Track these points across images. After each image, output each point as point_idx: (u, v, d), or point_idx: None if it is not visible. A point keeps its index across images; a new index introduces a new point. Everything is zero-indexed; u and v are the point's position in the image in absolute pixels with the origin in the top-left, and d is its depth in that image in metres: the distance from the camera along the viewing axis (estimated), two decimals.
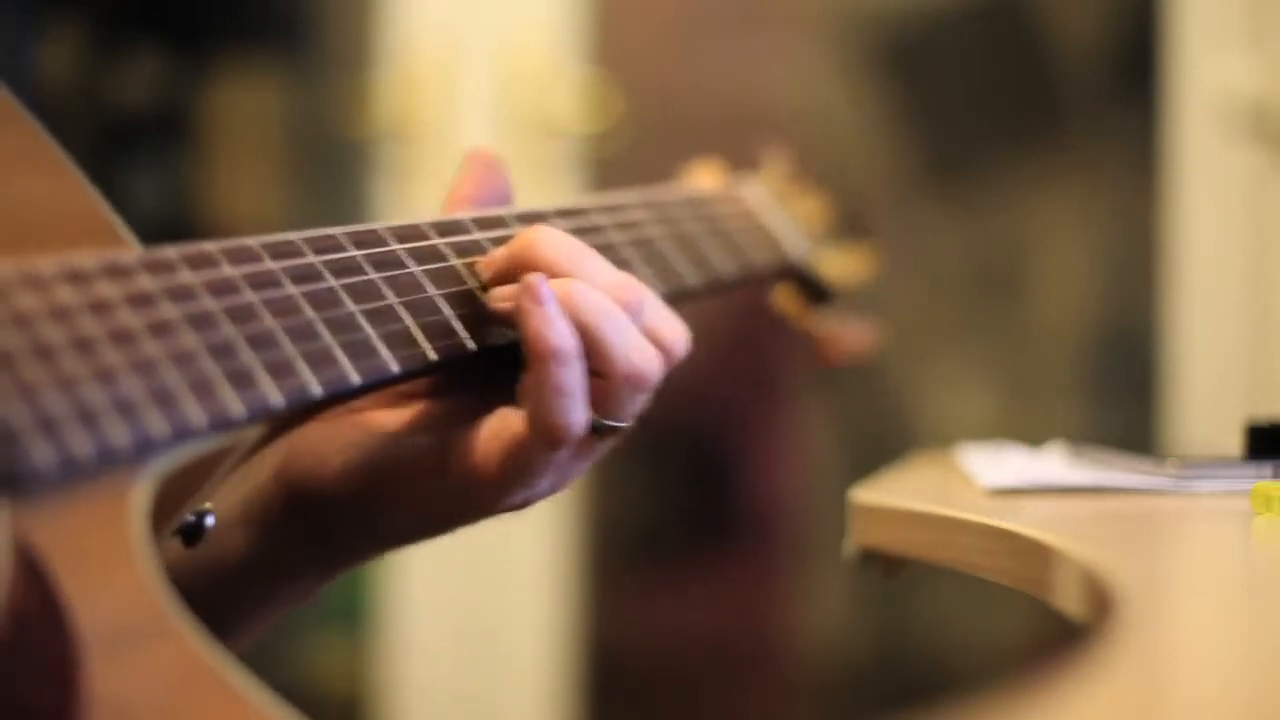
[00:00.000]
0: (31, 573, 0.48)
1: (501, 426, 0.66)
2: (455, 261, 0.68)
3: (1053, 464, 0.94)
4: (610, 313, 0.66)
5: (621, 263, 0.76)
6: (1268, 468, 0.85)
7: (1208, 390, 2.10)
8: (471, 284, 0.68)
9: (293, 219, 2.33)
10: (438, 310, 0.66)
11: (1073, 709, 0.43)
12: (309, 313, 0.60)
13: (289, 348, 0.58)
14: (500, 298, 0.67)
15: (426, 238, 0.68)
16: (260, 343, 0.57)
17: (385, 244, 0.66)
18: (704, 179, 0.94)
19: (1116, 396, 2.27)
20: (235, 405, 0.55)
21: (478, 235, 0.70)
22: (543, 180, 2.16)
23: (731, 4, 2.29)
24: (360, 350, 0.61)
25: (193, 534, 0.64)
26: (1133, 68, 2.23)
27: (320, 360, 0.59)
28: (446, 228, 0.69)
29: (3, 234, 0.55)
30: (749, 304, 0.97)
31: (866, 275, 1.02)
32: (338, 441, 0.68)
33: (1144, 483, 0.86)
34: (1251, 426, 0.87)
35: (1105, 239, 2.29)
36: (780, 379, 2.30)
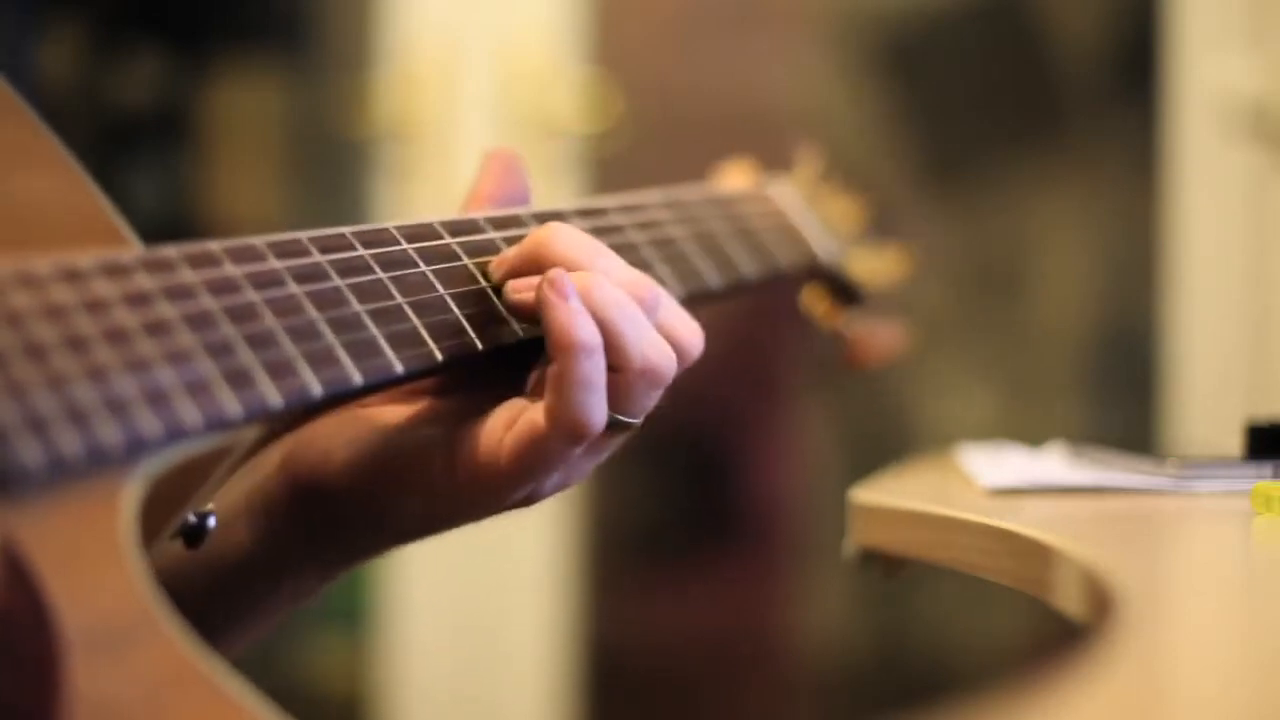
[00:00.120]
0: (16, 572, 0.48)
1: (514, 419, 0.66)
2: (467, 261, 0.68)
3: (1053, 464, 0.94)
4: (626, 308, 0.66)
5: (641, 263, 0.75)
6: (1268, 468, 0.85)
7: (1208, 390, 2.10)
8: (484, 284, 0.68)
9: (293, 219, 2.33)
10: (447, 309, 0.65)
11: (1073, 709, 0.43)
12: (312, 312, 0.60)
13: (290, 347, 0.58)
14: (518, 289, 0.67)
15: (438, 237, 0.67)
16: (260, 342, 0.57)
17: (395, 243, 0.65)
18: (734, 179, 0.94)
19: (1116, 396, 2.27)
20: (232, 405, 0.55)
21: (492, 235, 0.70)
22: (543, 180, 2.16)
23: (731, 4, 2.29)
24: (364, 350, 0.61)
25: (194, 535, 0.64)
26: (1133, 68, 2.23)
27: (322, 360, 0.59)
28: (459, 227, 0.69)
29: (3, 231, 0.55)
30: (749, 305, 0.97)
31: (897, 277, 1.01)
32: (343, 435, 0.68)
33: (1144, 483, 0.86)
34: (1251, 426, 0.87)
35: (1105, 239, 2.29)
36: (780, 379, 2.30)
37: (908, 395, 2.26)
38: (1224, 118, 2.09)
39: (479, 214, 0.71)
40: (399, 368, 0.62)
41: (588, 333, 0.65)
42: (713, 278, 0.81)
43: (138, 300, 0.54)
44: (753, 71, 2.27)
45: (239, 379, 0.55)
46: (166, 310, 0.55)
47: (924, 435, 2.19)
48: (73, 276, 0.53)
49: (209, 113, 2.38)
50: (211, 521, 0.64)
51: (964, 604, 2.25)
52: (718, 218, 0.85)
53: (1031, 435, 1.06)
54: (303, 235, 0.62)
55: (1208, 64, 2.10)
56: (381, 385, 0.61)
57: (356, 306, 0.62)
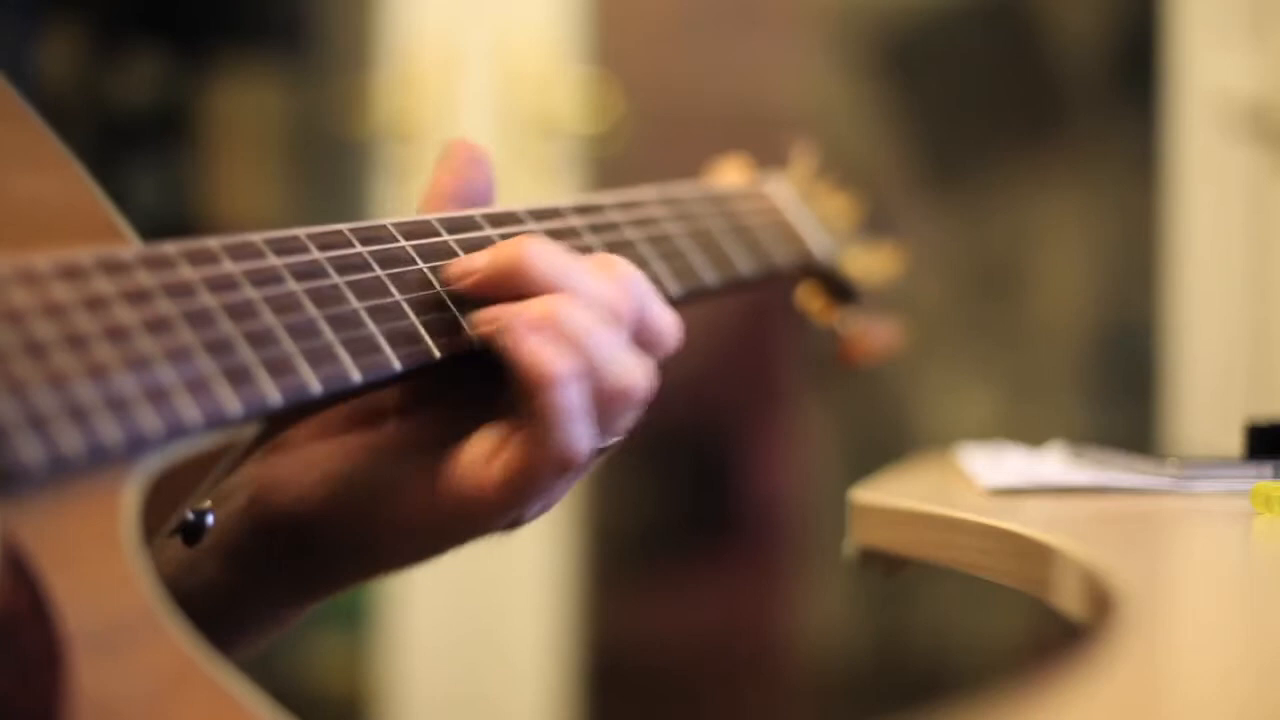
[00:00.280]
0: (18, 571, 0.48)
1: (498, 448, 0.64)
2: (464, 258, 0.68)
3: (1053, 464, 0.94)
4: (594, 330, 0.64)
5: (638, 260, 0.75)
6: (1268, 468, 0.85)
7: (1208, 390, 2.10)
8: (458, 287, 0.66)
9: (293, 219, 2.33)
10: (444, 307, 0.65)
11: (1073, 709, 0.43)
12: (311, 310, 0.60)
13: (289, 345, 0.58)
14: (485, 322, 0.64)
15: (435, 234, 0.67)
16: (259, 340, 0.57)
17: (392, 240, 0.65)
18: (730, 176, 0.94)
19: (1116, 396, 2.27)
20: (232, 403, 0.55)
21: (490, 232, 0.69)
22: (543, 180, 2.16)
23: (732, 4, 2.29)
24: (362, 348, 0.60)
25: (192, 533, 0.63)
26: (1133, 67, 2.23)
27: (321, 358, 0.59)
28: (457, 224, 0.68)
29: (3, 229, 0.55)
30: (749, 305, 0.97)
31: (892, 274, 1.01)
32: (316, 471, 0.66)
33: (1144, 483, 0.86)
34: (1251, 426, 0.87)
35: (1105, 239, 2.29)
36: (780, 380, 2.30)
37: (908, 395, 2.26)
38: (1224, 117, 2.09)
39: (476, 211, 0.70)
40: (397, 365, 0.62)
41: (561, 362, 0.62)
42: (709, 275, 0.81)
43: (137, 297, 0.54)
44: (753, 71, 2.27)
45: (239, 376, 0.55)
46: (166, 307, 0.55)
47: (924, 435, 2.19)
48: (72, 274, 0.53)
49: (209, 113, 2.38)
50: (210, 519, 0.64)
51: (964, 604, 2.25)
52: (714, 215, 0.85)
53: (1031, 435, 1.06)
54: (300, 232, 0.62)
55: (1208, 64, 2.10)
56: (380, 383, 0.61)
57: (355, 304, 0.62)
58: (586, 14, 2.19)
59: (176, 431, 0.53)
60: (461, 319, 0.65)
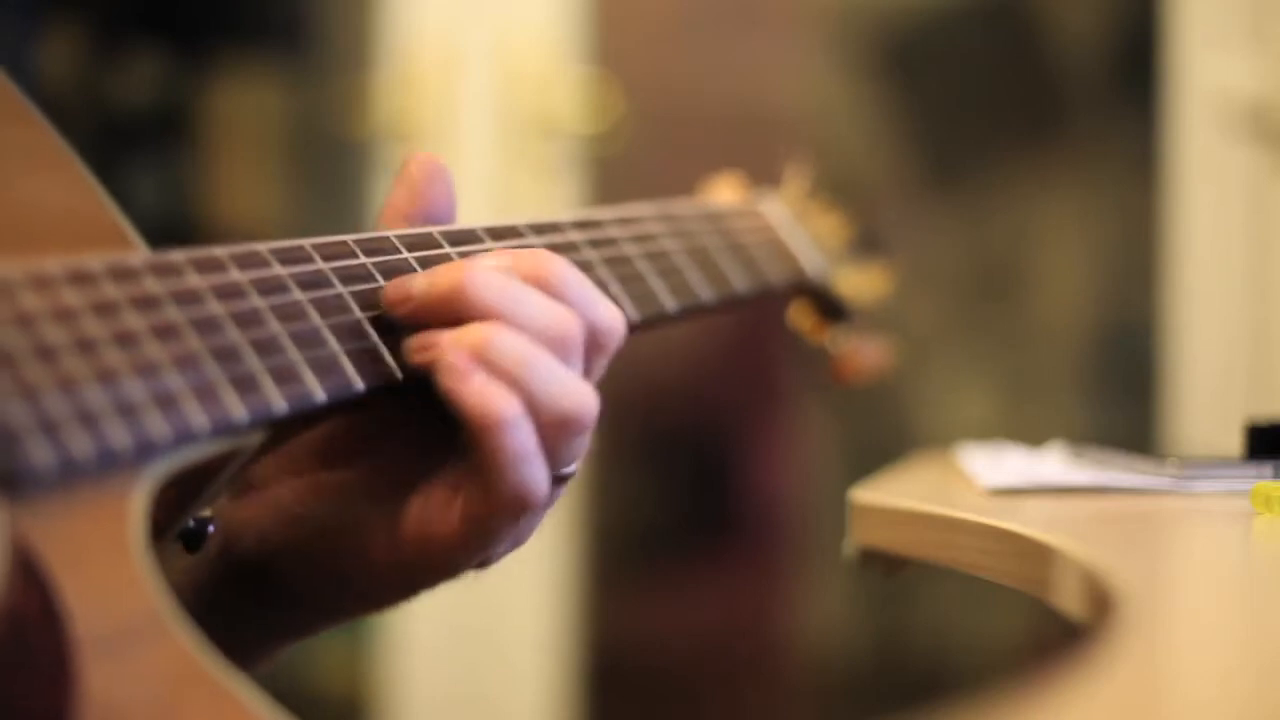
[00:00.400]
0: (29, 573, 0.48)
1: (455, 494, 0.63)
2: None
3: (1053, 464, 0.94)
4: (530, 360, 0.62)
5: (636, 275, 0.75)
6: (1268, 468, 0.85)
7: (1208, 390, 2.10)
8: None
9: (293, 219, 2.34)
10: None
11: (1073, 709, 0.43)
12: (315, 319, 0.60)
13: (294, 353, 0.58)
14: (421, 348, 0.62)
15: (438, 246, 0.67)
16: (265, 348, 0.57)
17: (395, 251, 0.65)
18: (724, 193, 0.94)
19: (1116, 396, 2.27)
20: (238, 409, 0.55)
21: (491, 245, 0.70)
22: (543, 180, 2.16)
23: (732, 4, 2.29)
24: (365, 357, 0.61)
25: (194, 539, 0.64)
26: (1133, 67, 2.23)
27: (325, 367, 0.59)
28: (458, 237, 0.69)
29: (11, 234, 0.55)
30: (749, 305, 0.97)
31: (883, 294, 1.02)
32: (280, 513, 0.66)
33: (1144, 483, 0.86)
34: (1251, 426, 0.87)
35: (1105, 239, 2.29)
36: (780, 379, 2.30)
37: (908, 395, 2.26)
38: (1224, 118, 2.09)
39: (477, 225, 0.70)
40: (400, 375, 0.62)
41: (505, 404, 0.61)
42: (706, 292, 0.81)
43: (146, 304, 0.55)
44: (753, 71, 2.27)
45: (245, 384, 0.56)
46: (174, 314, 0.55)
47: (924, 435, 2.19)
48: (82, 279, 0.53)
49: (209, 113, 2.38)
50: (211, 527, 0.64)
51: (964, 604, 2.25)
52: (710, 232, 0.85)
53: (1031, 435, 1.07)
54: (305, 242, 0.62)
55: (1208, 64, 2.10)
56: (382, 391, 0.61)
57: (357, 314, 0.62)
58: (586, 14, 2.19)
59: (184, 437, 0.53)
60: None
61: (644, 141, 2.19)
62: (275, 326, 0.58)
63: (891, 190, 2.28)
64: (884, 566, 0.90)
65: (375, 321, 0.62)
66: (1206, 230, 2.12)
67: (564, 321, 0.64)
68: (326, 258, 0.62)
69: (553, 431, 0.62)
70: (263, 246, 0.61)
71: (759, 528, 2.29)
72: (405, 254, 0.65)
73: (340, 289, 0.62)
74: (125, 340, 0.53)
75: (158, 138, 2.35)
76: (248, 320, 0.57)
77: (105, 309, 0.53)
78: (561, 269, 0.66)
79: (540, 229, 0.72)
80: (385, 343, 0.62)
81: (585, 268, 0.71)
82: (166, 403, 0.53)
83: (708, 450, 2.35)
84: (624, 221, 0.79)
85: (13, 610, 0.48)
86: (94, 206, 0.58)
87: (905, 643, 2.32)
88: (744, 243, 0.88)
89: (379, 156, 2.19)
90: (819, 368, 1.01)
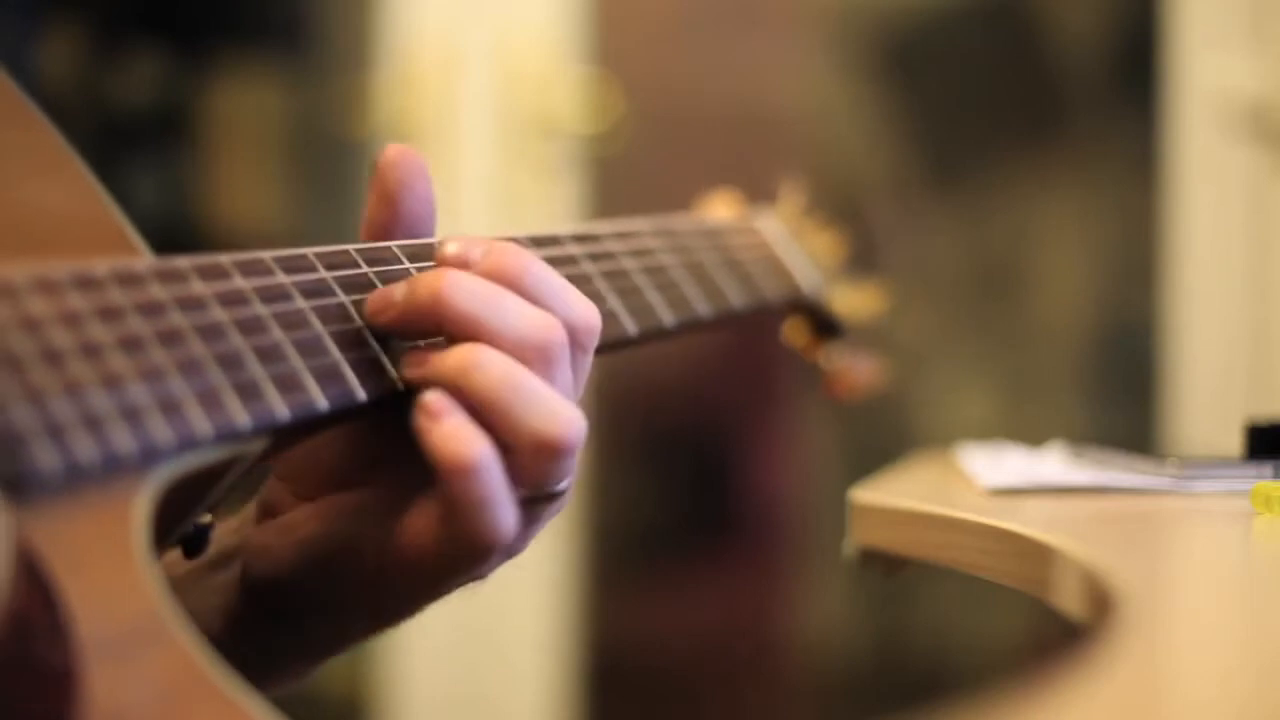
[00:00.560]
0: (33, 577, 0.48)
1: (433, 524, 0.63)
2: None
3: (1053, 464, 0.94)
4: (512, 384, 0.61)
5: (633, 289, 0.76)
6: (1268, 468, 0.85)
7: (1208, 390, 2.10)
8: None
9: (293, 219, 2.33)
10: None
11: (1073, 709, 0.43)
12: (317, 327, 0.60)
13: (296, 361, 0.58)
14: (409, 365, 0.62)
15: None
16: (268, 355, 0.57)
17: (398, 261, 0.65)
18: (720, 209, 0.95)
19: (1116, 396, 2.27)
20: (241, 416, 0.55)
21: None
22: (543, 180, 2.16)
23: (732, 4, 2.29)
24: (367, 367, 0.61)
25: (193, 545, 0.64)
26: (1133, 67, 2.23)
27: (328, 375, 0.59)
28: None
29: (15, 237, 0.55)
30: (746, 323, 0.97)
31: (878, 312, 1.02)
32: (291, 535, 0.66)
33: (1144, 483, 0.86)
34: (1251, 426, 0.87)
35: (1105, 239, 2.29)
36: (780, 379, 2.30)
37: (908, 395, 2.26)
38: (1224, 118, 2.09)
39: (478, 237, 0.70)
40: (401, 385, 0.62)
41: (470, 450, 0.60)
42: (702, 307, 0.82)
43: (150, 309, 0.55)
44: (753, 71, 2.27)
45: (248, 390, 0.56)
46: (178, 320, 0.55)
47: (924, 435, 2.19)
48: (87, 284, 0.54)
49: (209, 113, 2.38)
50: (211, 532, 0.64)
51: (964, 604, 2.25)
52: (707, 248, 0.86)
53: (1031, 435, 1.07)
54: (308, 251, 0.63)
55: (1208, 64, 2.10)
56: (384, 402, 0.61)
57: (359, 323, 0.62)
58: (586, 14, 2.19)
59: (188, 443, 0.53)
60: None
61: (644, 141, 2.19)
62: (278, 334, 0.58)
63: (891, 190, 2.28)
64: (884, 566, 0.90)
65: (376, 331, 0.62)
66: (1206, 230, 2.12)
67: (545, 327, 0.63)
68: (329, 266, 0.63)
69: (534, 458, 0.62)
70: (266, 254, 0.61)
71: (759, 528, 2.29)
72: (406, 264, 0.65)
73: (342, 297, 0.62)
74: (130, 345, 0.53)
75: (158, 138, 2.35)
76: (251, 327, 0.58)
77: (110, 314, 0.53)
78: (533, 266, 0.65)
79: (540, 241, 0.72)
80: (387, 353, 0.62)
81: (583, 280, 0.71)
82: (170, 408, 0.53)
83: (708, 450, 2.35)
84: (622, 236, 0.79)
85: (16, 613, 0.48)
86: (97, 210, 0.58)
87: (905, 643, 2.32)
88: (740, 259, 0.89)
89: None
90: (816, 375, 1.02)
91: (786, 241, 0.96)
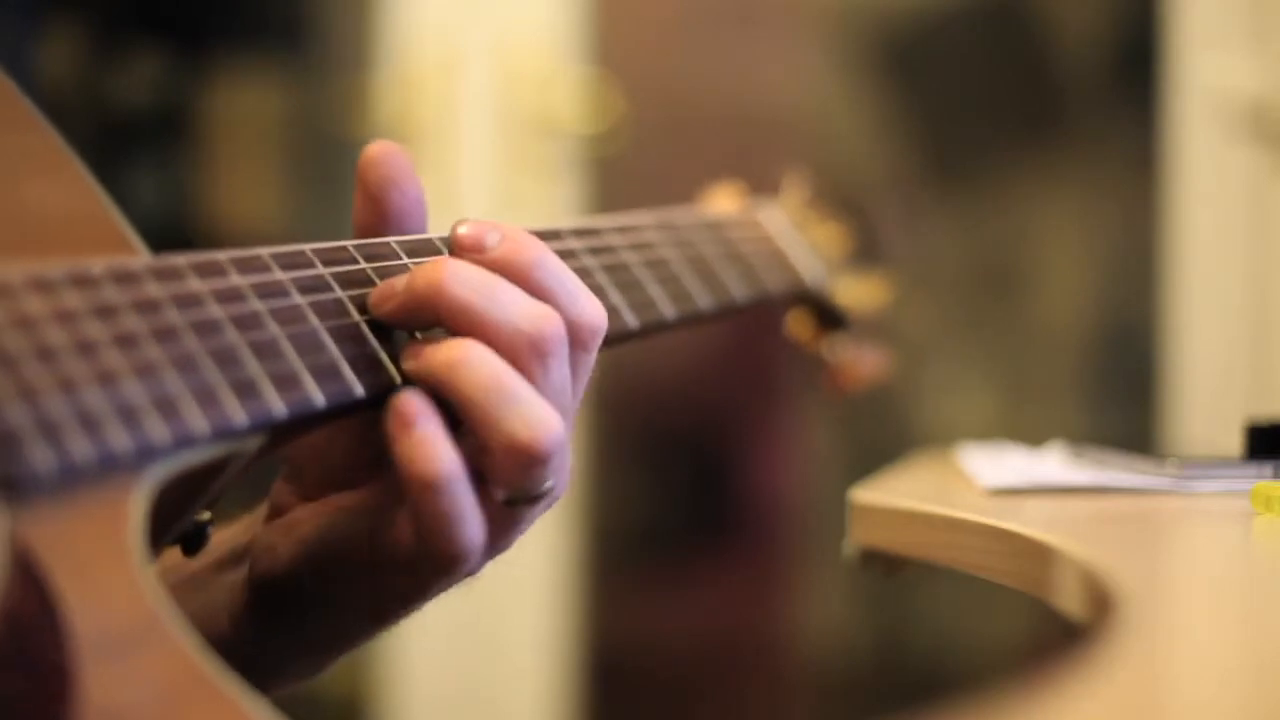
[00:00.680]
0: (29, 576, 0.48)
1: (411, 532, 0.63)
2: None
3: (1053, 464, 0.94)
4: (496, 385, 0.61)
5: (634, 283, 0.76)
6: (1268, 468, 0.85)
7: (1208, 390, 2.10)
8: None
9: (293, 219, 2.33)
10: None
11: (1073, 709, 0.43)
12: (314, 322, 0.60)
13: (293, 357, 0.58)
14: (413, 357, 0.62)
15: (437, 252, 0.67)
16: (265, 352, 0.57)
17: (395, 257, 0.65)
18: (722, 202, 0.95)
19: (1116, 396, 2.27)
20: (238, 414, 0.55)
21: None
22: (543, 180, 2.16)
23: (732, 4, 2.29)
24: (364, 363, 0.61)
25: (192, 542, 0.64)
26: (1133, 67, 2.23)
27: (325, 371, 0.59)
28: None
29: (12, 236, 0.55)
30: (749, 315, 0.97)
31: (881, 303, 1.02)
32: (294, 534, 0.66)
33: (1144, 483, 0.86)
34: (1251, 426, 0.87)
35: (1105, 239, 2.29)
36: (780, 379, 2.30)
37: (908, 395, 2.26)
38: (1224, 118, 2.09)
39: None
40: (399, 380, 0.62)
41: (438, 466, 0.60)
42: (705, 300, 0.82)
43: (146, 307, 0.55)
44: (753, 71, 2.27)
45: (245, 388, 0.56)
46: (174, 318, 0.55)
47: (924, 435, 2.19)
48: (83, 282, 0.53)
49: (209, 113, 2.38)
50: (209, 529, 0.64)
51: (964, 604, 2.25)
52: (709, 241, 0.86)
53: (1031, 435, 1.07)
54: (306, 247, 0.63)
55: (1208, 64, 2.10)
56: (383, 398, 0.61)
57: (356, 318, 0.62)
58: (586, 14, 2.19)
59: (184, 441, 0.53)
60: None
61: (644, 141, 2.19)
62: (275, 330, 0.58)
63: (891, 190, 2.28)
64: (884, 566, 0.90)
65: (373, 326, 0.62)
66: (1206, 230, 2.12)
67: (543, 320, 0.63)
68: (326, 262, 0.63)
69: (507, 462, 0.62)
70: (263, 251, 0.61)
71: (759, 528, 2.29)
72: (404, 259, 0.65)
73: (340, 293, 0.62)
74: (126, 343, 0.53)
75: (158, 138, 2.35)
76: (248, 323, 0.57)
77: (106, 312, 0.53)
78: (543, 258, 0.65)
79: (541, 235, 0.72)
80: (384, 348, 0.62)
81: (584, 274, 0.71)
82: (166, 406, 0.53)
83: (708, 450, 2.35)
84: (623, 230, 0.79)
85: (12, 612, 0.48)
86: (95, 210, 0.58)
87: (905, 643, 2.32)
88: (743, 252, 0.88)
89: None
90: (819, 369, 1.02)
91: (789, 233, 0.95)
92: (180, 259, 0.57)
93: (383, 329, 0.63)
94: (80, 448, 0.50)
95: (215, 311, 0.57)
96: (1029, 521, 0.75)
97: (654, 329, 0.77)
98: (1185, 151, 2.12)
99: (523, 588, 2.15)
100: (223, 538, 0.69)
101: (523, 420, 0.61)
